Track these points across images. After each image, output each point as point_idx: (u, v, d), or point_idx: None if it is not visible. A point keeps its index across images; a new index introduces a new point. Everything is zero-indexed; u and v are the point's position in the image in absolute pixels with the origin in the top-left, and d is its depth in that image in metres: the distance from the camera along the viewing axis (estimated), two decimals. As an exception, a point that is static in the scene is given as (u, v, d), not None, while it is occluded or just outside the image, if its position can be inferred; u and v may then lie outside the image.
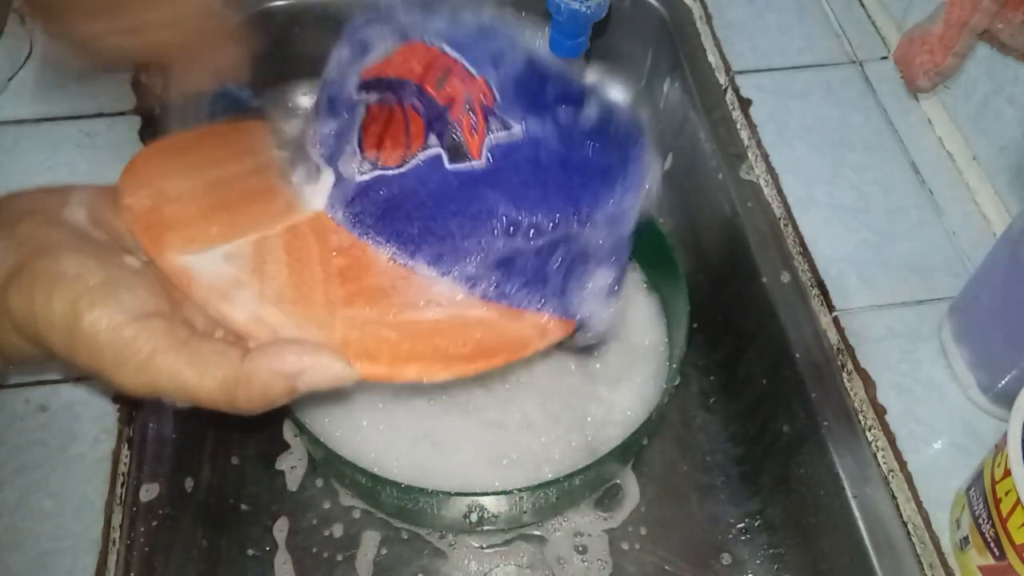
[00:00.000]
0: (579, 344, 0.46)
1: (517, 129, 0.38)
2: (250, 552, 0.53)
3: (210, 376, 0.30)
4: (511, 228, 0.38)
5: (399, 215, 0.38)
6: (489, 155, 0.38)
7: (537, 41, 0.44)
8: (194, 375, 0.30)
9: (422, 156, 0.38)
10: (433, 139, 0.38)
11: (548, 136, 0.39)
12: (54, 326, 0.30)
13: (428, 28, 0.41)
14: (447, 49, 0.40)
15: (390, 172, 0.38)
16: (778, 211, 0.55)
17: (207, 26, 0.41)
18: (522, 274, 0.38)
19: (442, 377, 0.35)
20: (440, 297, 0.38)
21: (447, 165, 0.38)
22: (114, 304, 0.31)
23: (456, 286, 0.38)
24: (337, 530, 0.54)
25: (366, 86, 0.40)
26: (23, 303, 0.31)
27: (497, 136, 0.38)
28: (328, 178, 0.39)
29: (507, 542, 0.53)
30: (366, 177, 0.38)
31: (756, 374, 0.56)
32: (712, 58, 0.64)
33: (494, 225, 0.37)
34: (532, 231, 0.38)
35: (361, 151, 0.39)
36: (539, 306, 0.39)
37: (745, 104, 0.61)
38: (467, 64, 0.39)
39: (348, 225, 0.38)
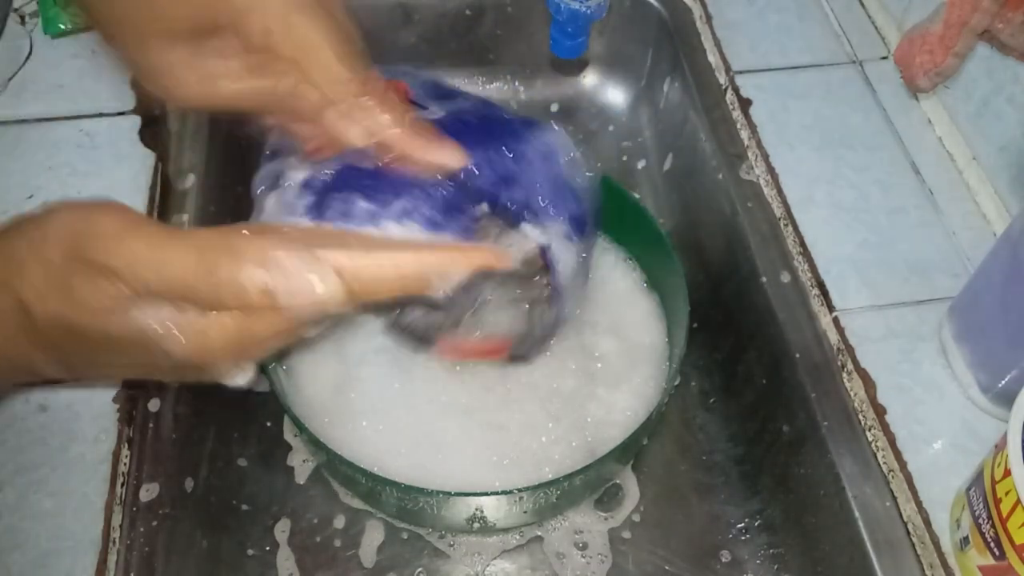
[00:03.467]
0: (513, 353, 0.49)
1: (438, 110, 0.43)
2: (250, 552, 0.53)
3: (191, 244, 0.29)
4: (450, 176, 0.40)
5: (344, 185, 0.39)
6: None
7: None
8: (174, 244, 0.29)
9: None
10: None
11: (466, 109, 0.44)
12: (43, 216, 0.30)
13: None
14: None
15: (328, 161, 0.40)
16: (778, 211, 0.55)
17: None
18: (472, 215, 0.41)
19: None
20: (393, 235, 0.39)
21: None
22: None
23: (407, 228, 0.39)
24: (337, 530, 0.54)
25: None
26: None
27: (423, 117, 0.41)
28: (270, 202, 0.40)
29: (507, 542, 0.53)
30: (308, 173, 0.40)
31: (756, 374, 0.56)
32: (712, 58, 0.64)
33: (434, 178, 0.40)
34: (470, 172, 0.41)
35: (299, 159, 0.41)
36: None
37: (745, 104, 0.61)
38: (384, 76, 0.43)
39: (300, 215, 0.39)
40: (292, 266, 0.30)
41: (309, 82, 0.36)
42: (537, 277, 0.46)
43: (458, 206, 0.40)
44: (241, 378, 0.34)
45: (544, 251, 0.43)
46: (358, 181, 0.39)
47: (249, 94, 0.37)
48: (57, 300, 0.30)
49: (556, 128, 0.46)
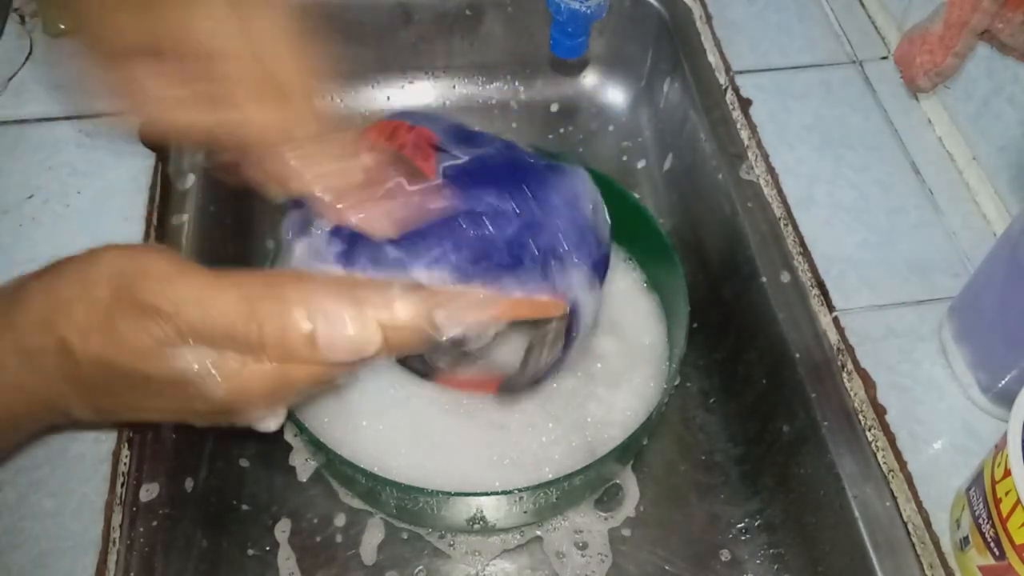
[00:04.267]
0: (502, 388, 0.49)
1: (462, 155, 0.43)
2: (250, 552, 0.53)
3: (238, 290, 0.29)
4: (479, 218, 0.41)
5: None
6: (443, 174, 0.42)
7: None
8: (221, 289, 0.30)
9: (383, 189, 0.41)
10: (392, 173, 0.41)
11: (490, 154, 0.44)
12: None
13: None
14: (390, 118, 0.45)
15: None
16: (778, 211, 0.55)
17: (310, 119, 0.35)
18: (499, 262, 0.41)
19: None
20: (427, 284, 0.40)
21: (408, 187, 0.41)
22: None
23: (437, 275, 0.40)
24: (337, 530, 0.54)
25: None
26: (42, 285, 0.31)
27: (447, 161, 0.42)
28: (299, 248, 0.41)
29: (507, 542, 0.53)
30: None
31: (756, 374, 0.56)
32: (712, 58, 0.64)
33: (461, 218, 0.41)
34: (497, 217, 0.41)
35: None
36: (523, 287, 0.42)
37: (745, 104, 0.61)
38: (409, 122, 0.44)
39: (330, 263, 0.39)
40: (336, 315, 0.30)
41: (272, 118, 0.35)
42: (551, 323, 0.46)
43: (486, 253, 0.41)
44: (273, 423, 0.35)
45: (571, 306, 0.44)
46: None
47: (206, 125, 0.36)
48: (100, 339, 0.30)
49: (581, 171, 0.46)
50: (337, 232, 0.40)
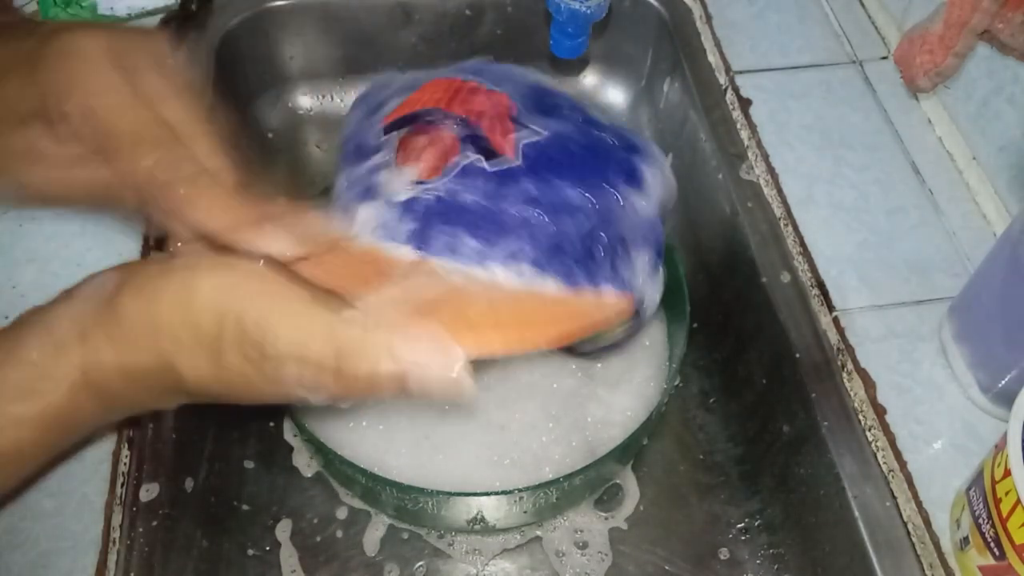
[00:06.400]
0: (585, 349, 0.49)
1: (541, 130, 0.42)
2: (250, 552, 0.53)
3: (327, 329, 0.31)
4: (555, 208, 0.40)
5: (450, 217, 0.39)
6: (522, 153, 0.41)
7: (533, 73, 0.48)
8: (312, 326, 0.31)
9: (460, 165, 0.40)
10: (468, 148, 0.41)
11: (570, 132, 0.43)
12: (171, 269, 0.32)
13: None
14: (466, 77, 0.44)
15: (431, 184, 0.40)
16: (778, 211, 0.55)
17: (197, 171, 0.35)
18: (573, 256, 0.40)
19: (526, 348, 0.35)
20: (503, 283, 0.39)
21: (487, 167, 0.40)
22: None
23: (514, 270, 0.39)
24: (337, 530, 0.54)
25: (391, 127, 0.43)
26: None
27: (525, 138, 0.41)
28: (365, 213, 0.40)
29: (507, 541, 0.53)
30: (410, 194, 0.40)
31: (756, 374, 0.56)
32: (712, 58, 0.64)
33: (540, 210, 0.40)
34: (575, 211, 0.40)
35: (400, 174, 0.41)
36: (594, 283, 0.41)
37: (745, 104, 0.61)
38: (488, 84, 0.43)
39: (401, 241, 0.39)
40: (427, 358, 0.31)
41: (156, 160, 0.35)
42: None
43: (561, 246, 0.40)
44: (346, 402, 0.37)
45: (636, 304, 0.44)
46: (462, 214, 0.39)
47: (102, 179, 0.36)
48: (208, 368, 0.32)
49: (660, 156, 0.45)
50: (410, 208, 0.39)
